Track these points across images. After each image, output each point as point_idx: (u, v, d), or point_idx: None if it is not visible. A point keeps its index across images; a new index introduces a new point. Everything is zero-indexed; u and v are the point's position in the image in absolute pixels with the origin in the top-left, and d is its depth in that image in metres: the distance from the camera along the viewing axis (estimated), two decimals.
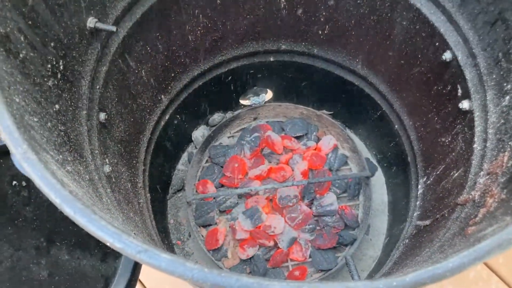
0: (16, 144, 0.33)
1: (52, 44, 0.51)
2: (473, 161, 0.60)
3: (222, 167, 1.07)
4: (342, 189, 1.05)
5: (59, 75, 0.52)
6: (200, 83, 0.98)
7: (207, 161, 1.10)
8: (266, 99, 1.14)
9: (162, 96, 0.90)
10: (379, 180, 1.10)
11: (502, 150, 0.52)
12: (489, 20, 0.57)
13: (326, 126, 1.09)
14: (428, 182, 0.81)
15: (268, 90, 1.13)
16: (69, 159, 0.49)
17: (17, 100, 0.40)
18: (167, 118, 0.96)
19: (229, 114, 1.16)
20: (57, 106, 0.50)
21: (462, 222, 0.53)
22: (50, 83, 0.49)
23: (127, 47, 0.70)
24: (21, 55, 0.43)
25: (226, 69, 0.99)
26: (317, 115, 1.08)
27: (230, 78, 1.03)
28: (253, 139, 1.07)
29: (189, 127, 1.12)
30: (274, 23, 0.89)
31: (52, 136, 0.46)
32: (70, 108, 0.55)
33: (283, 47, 0.97)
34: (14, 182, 0.65)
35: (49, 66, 0.50)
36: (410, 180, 0.91)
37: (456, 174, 0.66)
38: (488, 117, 0.58)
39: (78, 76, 0.58)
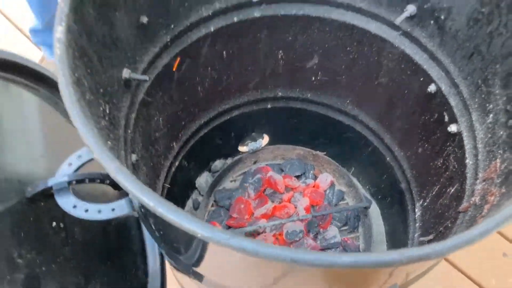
0: (110, 162, 0.39)
1: (101, 90, 0.58)
2: (468, 174, 0.68)
3: (228, 209, 1.13)
4: (342, 222, 1.12)
5: (107, 118, 0.59)
6: (206, 131, 1.06)
7: (212, 205, 1.16)
8: (263, 144, 1.23)
9: (174, 144, 0.97)
10: (374, 212, 1.18)
11: (493, 158, 0.61)
12: (467, 54, 0.68)
13: (322, 164, 1.17)
14: (425, 204, 0.89)
15: (265, 135, 1.22)
16: None
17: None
18: (176, 164, 1.02)
19: (229, 160, 1.23)
20: (109, 142, 0.56)
21: (468, 223, 0.60)
22: (103, 123, 0.56)
23: (150, 96, 0.78)
24: (87, 97, 0.50)
25: (228, 117, 1.08)
26: (313, 154, 1.16)
27: (231, 125, 1.11)
28: (256, 180, 1.14)
29: (193, 174, 1.18)
30: (272, 73, 0.99)
31: None
32: (115, 148, 0.61)
33: (280, 94, 1.06)
34: (54, 224, 0.69)
35: (101, 108, 0.57)
36: (406, 206, 0.99)
37: (452, 190, 0.74)
38: (476, 135, 0.68)
39: (117, 120, 0.65)
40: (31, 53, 1.56)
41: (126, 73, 0.67)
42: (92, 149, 0.40)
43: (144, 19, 0.67)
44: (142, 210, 0.57)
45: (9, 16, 1.70)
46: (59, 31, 0.46)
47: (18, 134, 0.73)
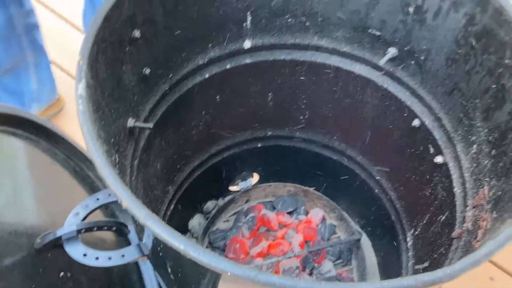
0: (140, 212, 0.42)
1: (112, 140, 0.61)
2: (457, 202, 0.73)
3: (223, 250, 1.14)
4: (336, 255, 1.14)
5: (117, 166, 0.62)
6: (198, 173, 1.09)
7: (207, 247, 1.17)
8: (253, 183, 1.26)
9: (170, 187, 0.99)
10: (365, 244, 1.21)
11: (480, 186, 0.65)
12: (447, 91, 0.74)
13: (312, 199, 1.21)
14: (416, 233, 0.93)
15: (254, 173, 1.25)
16: None
17: None
18: (171, 208, 1.04)
19: (220, 201, 1.25)
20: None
21: (463, 248, 0.64)
22: (115, 171, 0.58)
23: (150, 143, 0.81)
24: (105, 148, 0.53)
25: (220, 158, 1.11)
26: (303, 190, 1.20)
27: (222, 166, 1.14)
28: (250, 219, 1.16)
29: (186, 216, 1.19)
30: (262, 114, 1.04)
31: None
32: None
33: (269, 133, 1.11)
34: (62, 273, 0.69)
35: (113, 158, 0.59)
36: (397, 236, 1.03)
37: (443, 218, 0.79)
38: (462, 164, 0.73)
39: (125, 168, 0.68)
40: None
41: (131, 122, 0.70)
42: (121, 198, 0.43)
43: (147, 71, 0.71)
44: (161, 254, 0.58)
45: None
46: (80, 87, 0.49)
47: (23, 186, 0.74)
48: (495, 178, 0.62)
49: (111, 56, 0.60)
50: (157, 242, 0.57)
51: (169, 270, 0.58)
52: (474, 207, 0.66)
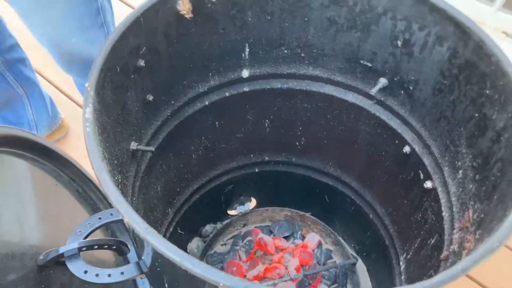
0: (140, 226, 0.45)
1: (115, 161, 0.64)
2: (445, 226, 0.76)
3: None
4: (331, 280, 1.16)
5: (119, 186, 0.65)
6: (197, 196, 1.12)
7: None
8: (251, 207, 1.28)
9: (169, 210, 1.02)
10: (360, 269, 1.22)
11: (466, 209, 0.68)
12: (435, 119, 0.78)
13: (308, 224, 1.23)
14: (408, 256, 0.95)
15: (252, 198, 1.28)
16: None
17: None
18: (171, 230, 1.06)
19: (218, 225, 1.27)
20: None
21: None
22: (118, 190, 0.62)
23: (151, 166, 0.84)
24: (108, 167, 0.56)
25: (219, 182, 1.14)
26: (300, 215, 1.22)
27: (220, 190, 1.17)
28: (247, 243, 1.18)
29: (185, 239, 1.21)
30: (260, 139, 1.08)
31: None
32: None
33: (267, 158, 1.14)
34: None
35: (116, 178, 0.63)
36: (391, 261, 1.05)
37: (433, 241, 0.81)
38: (449, 189, 0.76)
39: (126, 189, 0.71)
40: None
41: (133, 145, 0.73)
42: (123, 213, 0.46)
43: (150, 97, 0.75)
44: (158, 269, 0.61)
45: None
46: (88, 111, 0.53)
47: (28, 206, 0.77)
48: (478, 201, 0.65)
49: (117, 83, 0.64)
50: (155, 258, 0.59)
51: (166, 285, 0.60)
52: (460, 230, 0.69)
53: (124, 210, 0.46)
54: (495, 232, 0.48)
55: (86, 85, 0.55)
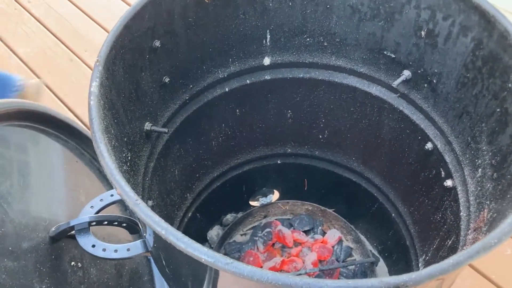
0: (130, 196, 0.46)
1: (125, 139, 0.66)
2: (462, 226, 0.72)
3: None
4: (349, 278, 1.13)
5: (128, 163, 0.66)
6: (218, 184, 1.12)
7: None
8: (273, 200, 1.28)
9: (188, 195, 1.03)
10: (382, 271, 1.19)
11: (482, 209, 0.65)
12: (457, 114, 0.74)
13: (330, 220, 1.21)
14: (427, 258, 0.91)
15: (275, 190, 1.27)
16: None
17: None
18: (189, 215, 1.07)
19: (240, 214, 1.28)
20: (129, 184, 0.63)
21: None
22: (125, 167, 0.63)
23: (168, 149, 0.85)
24: (113, 143, 0.57)
25: (240, 171, 1.14)
26: (321, 210, 1.20)
27: (242, 180, 1.17)
28: (265, 234, 1.17)
29: (205, 226, 1.22)
30: (282, 130, 1.07)
31: None
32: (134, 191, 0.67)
33: (289, 150, 1.13)
34: (72, 263, 0.74)
35: (124, 155, 0.64)
36: (410, 262, 1.01)
37: (450, 242, 0.78)
38: (468, 188, 0.72)
39: (137, 167, 0.72)
40: None
41: (147, 126, 0.75)
42: (115, 185, 0.47)
43: (166, 79, 0.76)
44: (156, 246, 0.62)
45: None
46: (93, 85, 0.54)
47: (46, 180, 0.81)
48: (494, 201, 0.62)
49: (130, 61, 0.65)
50: (154, 235, 0.60)
51: (164, 262, 0.61)
52: (474, 230, 0.66)
53: (117, 181, 0.47)
54: (494, 229, 0.45)
55: (96, 59, 0.56)
